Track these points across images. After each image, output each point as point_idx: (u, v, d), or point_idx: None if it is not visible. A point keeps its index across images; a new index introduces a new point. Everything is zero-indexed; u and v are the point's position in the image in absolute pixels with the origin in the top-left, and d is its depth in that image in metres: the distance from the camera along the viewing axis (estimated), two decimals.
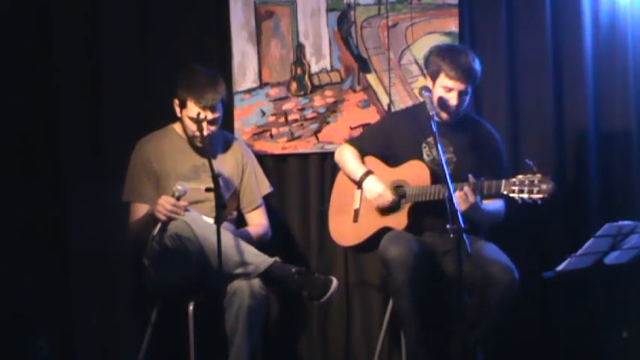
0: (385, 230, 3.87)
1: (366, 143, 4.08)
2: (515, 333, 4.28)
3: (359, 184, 3.99)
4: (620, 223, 3.59)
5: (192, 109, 3.81)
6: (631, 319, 4.30)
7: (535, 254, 4.32)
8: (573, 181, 4.42)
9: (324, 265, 4.37)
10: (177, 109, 3.89)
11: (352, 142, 4.13)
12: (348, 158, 4.06)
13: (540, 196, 3.53)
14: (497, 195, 3.68)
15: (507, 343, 4.20)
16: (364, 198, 4.01)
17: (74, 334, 4.30)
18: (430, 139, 3.91)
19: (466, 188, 3.63)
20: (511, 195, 3.59)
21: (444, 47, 3.96)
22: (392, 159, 4.00)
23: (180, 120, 3.94)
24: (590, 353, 4.33)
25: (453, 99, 3.82)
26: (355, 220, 4.02)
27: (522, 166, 3.63)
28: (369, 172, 3.96)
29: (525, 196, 3.55)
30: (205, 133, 3.79)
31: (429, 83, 3.91)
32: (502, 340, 4.12)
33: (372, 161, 4.04)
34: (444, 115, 3.88)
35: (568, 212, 4.40)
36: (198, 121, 3.78)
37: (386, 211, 3.91)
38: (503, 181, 3.62)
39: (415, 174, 3.88)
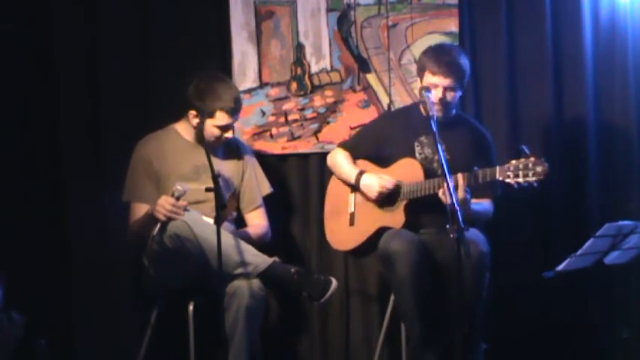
0: (382, 231, 3.87)
1: (359, 146, 4.08)
2: (515, 333, 4.29)
3: (355, 186, 3.99)
4: (620, 223, 3.59)
5: (223, 118, 3.83)
6: (631, 319, 4.29)
7: (535, 254, 4.33)
8: (573, 181, 4.42)
9: (324, 265, 4.37)
10: (195, 120, 3.86)
11: (344, 145, 4.14)
12: (340, 162, 4.07)
13: (535, 178, 3.55)
14: (493, 183, 3.69)
15: (507, 343, 4.20)
16: (358, 201, 4.01)
17: (74, 334, 4.31)
18: (422, 138, 3.94)
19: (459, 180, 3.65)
20: (507, 180, 3.60)
21: (431, 47, 3.98)
22: (384, 159, 3.99)
23: (184, 121, 3.94)
24: (590, 353, 4.33)
25: (436, 95, 3.81)
26: (352, 223, 4.02)
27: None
28: (362, 172, 3.97)
29: (521, 180, 3.56)
30: (230, 136, 3.87)
31: (419, 84, 3.92)
32: (502, 340, 4.12)
33: (363, 164, 4.04)
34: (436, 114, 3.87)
35: (568, 212, 4.40)
36: (226, 128, 3.84)
37: (388, 203, 3.90)
38: (498, 167, 3.63)
39: (408, 171, 3.88)
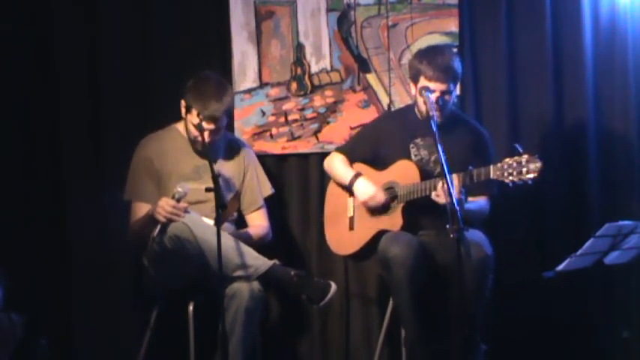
0: (381, 234, 3.86)
1: (355, 149, 4.08)
2: (515, 333, 4.29)
3: (349, 188, 3.99)
4: (620, 223, 3.59)
5: (196, 117, 3.82)
6: (631, 319, 4.30)
7: (535, 254, 4.33)
8: (573, 181, 4.42)
9: (324, 266, 4.37)
10: (183, 111, 3.91)
11: (341, 149, 4.14)
12: (336, 165, 4.07)
13: (530, 176, 3.54)
14: (488, 181, 3.68)
15: (507, 343, 4.20)
16: (357, 204, 4.01)
17: (74, 334, 4.31)
18: (418, 140, 3.94)
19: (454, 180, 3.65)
20: (501, 179, 3.60)
21: (422, 50, 3.96)
22: (380, 162, 3.99)
23: (184, 120, 3.95)
24: (590, 353, 4.33)
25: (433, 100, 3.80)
26: (351, 227, 4.02)
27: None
28: (358, 175, 3.97)
29: (515, 178, 3.56)
30: (207, 140, 3.81)
31: (411, 88, 3.91)
32: (502, 340, 4.12)
33: (360, 167, 4.04)
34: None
35: (568, 212, 4.39)
36: (200, 129, 3.79)
37: (378, 212, 3.92)
38: (492, 166, 3.62)
39: (404, 173, 3.88)
